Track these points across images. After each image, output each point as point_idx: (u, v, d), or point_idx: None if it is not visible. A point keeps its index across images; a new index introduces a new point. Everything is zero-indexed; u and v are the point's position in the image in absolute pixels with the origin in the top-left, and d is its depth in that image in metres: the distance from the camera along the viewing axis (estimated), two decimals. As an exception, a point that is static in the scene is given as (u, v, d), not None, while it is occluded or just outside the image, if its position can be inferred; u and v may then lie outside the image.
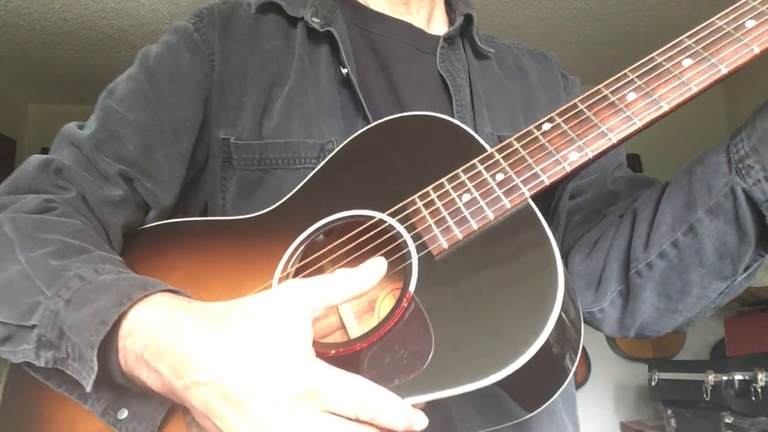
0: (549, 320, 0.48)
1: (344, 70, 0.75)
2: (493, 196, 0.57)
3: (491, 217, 0.57)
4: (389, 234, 0.59)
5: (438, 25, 0.86)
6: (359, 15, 0.83)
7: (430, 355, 0.51)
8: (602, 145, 0.57)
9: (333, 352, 0.53)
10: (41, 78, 2.99)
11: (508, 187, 0.57)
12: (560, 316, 0.49)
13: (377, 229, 0.60)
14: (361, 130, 0.67)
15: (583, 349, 2.59)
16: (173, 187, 0.73)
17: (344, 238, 0.62)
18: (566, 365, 0.54)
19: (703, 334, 3.03)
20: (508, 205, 0.57)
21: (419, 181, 0.61)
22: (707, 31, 0.58)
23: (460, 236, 0.56)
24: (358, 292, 0.52)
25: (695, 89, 0.56)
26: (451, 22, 0.88)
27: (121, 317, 0.51)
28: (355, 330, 0.62)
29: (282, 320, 0.48)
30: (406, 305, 0.54)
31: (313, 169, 0.68)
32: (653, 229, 0.67)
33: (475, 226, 0.56)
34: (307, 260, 0.63)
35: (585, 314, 0.74)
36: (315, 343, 0.52)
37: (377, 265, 0.53)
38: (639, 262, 0.68)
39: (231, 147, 0.73)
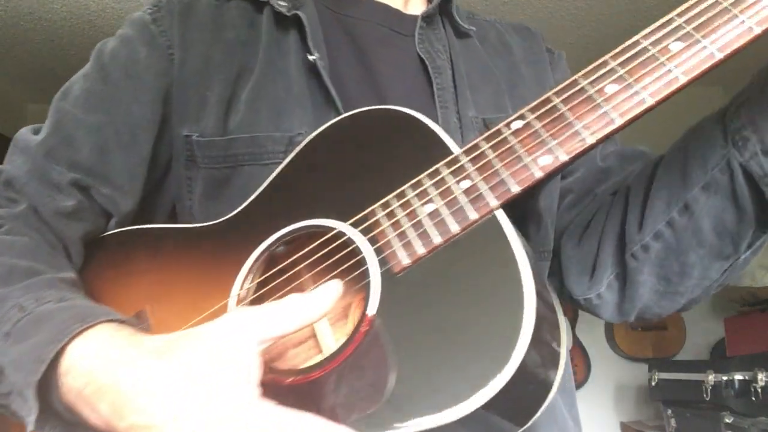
0: (515, 350, 0.43)
1: (311, 57, 0.69)
2: (458, 206, 0.51)
3: (456, 230, 0.51)
4: (351, 247, 0.54)
5: (416, 5, 0.80)
6: None
7: (390, 387, 0.46)
8: (578, 146, 0.50)
9: (289, 380, 0.50)
10: (41, 78, 2.99)
11: (474, 195, 0.51)
12: (531, 340, 0.44)
13: (338, 242, 0.55)
14: (324, 126, 0.62)
15: (583, 349, 2.58)
16: (133, 192, 0.69)
17: (304, 251, 0.57)
18: (546, 382, 0.49)
19: (703, 334, 3.03)
20: (475, 217, 0.51)
21: (383, 186, 0.55)
22: (701, 7, 0.49)
23: (422, 251, 0.51)
24: (310, 320, 0.49)
25: (684, 79, 0.48)
26: (429, 0, 0.82)
27: (60, 353, 0.49)
28: (328, 340, 0.58)
29: (225, 356, 0.46)
30: (364, 330, 0.49)
31: (282, 164, 0.64)
32: (647, 209, 0.63)
33: (438, 241, 0.51)
34: (268, 274, 0.59)
35: (581, 301, 0.71)
36: (271, 370, 0.50)
37: (331, 290, 0.50)
38: (634, 244, 0.64)
39: (194, 144, 0.68)
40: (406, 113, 0.58)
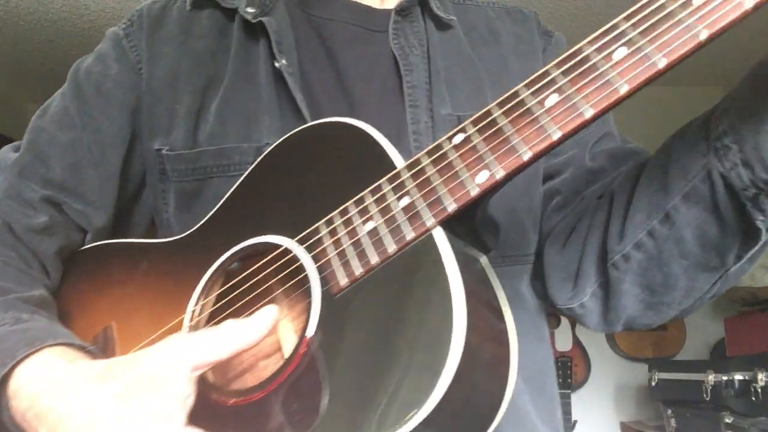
0: (440, 380, 0.42)
1: (277, 64, 0.68)
2: (396, 224, 0.50)
3: (393, 249, 0.49)
4: (296, 265, 0.54)
5: None
6: None
7: (323, 411, 0.46)
8: (514, 162, 0.47)
9: (231, 401, 0.51)
10: (41, 78, 2.99)
11: (412, 213, 0.49)
12: (459, 369, 0.42)
13: (284, 259, 0.55)
14: (280, 140, 0.61)
15: (583, 349, 2.58)
16: (105, 207, 0.70)
17: (253, 268, 0.57)
18: (485, 410, 0.47)
19: (703, 334, 3.03)
20: (412, 236, 0.49)
21: (331, 202, 0.54)
22: (648, 10, 0.45)
23: (359, 272, 0.50)
24: (246, 345, 0.49)
25: (626, 88, 0.44)
26: None
27: (9, 375, 0.51)
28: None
29: (158, 384, 0.47)
30: (302, 352, 0.49)
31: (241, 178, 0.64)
32: (628, 217, 0.60)
33: (375, 261, 0.49)
34: (220, 291, 0.60)
35: (565, 309, 0.69)
36: (217, 391, 0.52)
37: (267, 315, 0.50)
38: (614, 253, 0.62)
39: (164, 158, 0.69)
40: (354, 126, 0.57)
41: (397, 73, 0.70)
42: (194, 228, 0.64)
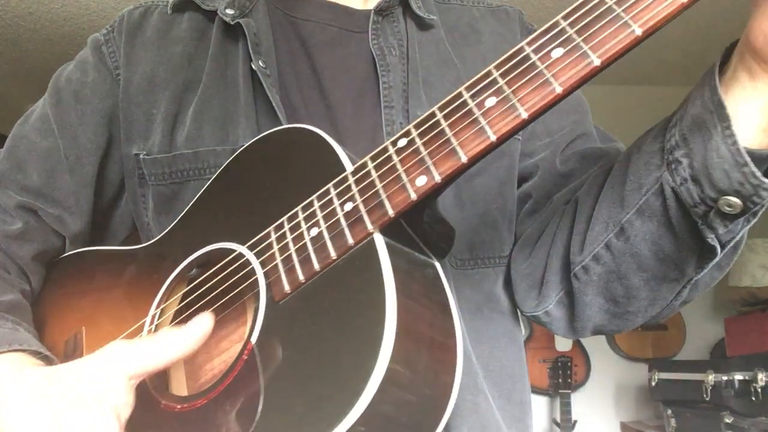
0: (365, 389, 0.41)
1: (254, 65, 0.67)
2: (338, 230, 0.49)
3: (334, 255, 0.49)
4: (246, 270, 0.54)
5: None
6: None
7: (256, 419, 0.46)
8: (452, 165, 0.46)
9: (179, 407, 0.51)
10: (41, 78, 2.99)
11: (354, 219, 0.49)
12: (387, 376, 0.42)
13: (236, 264, 0.55)
14: (244, 146, 0.61)
15: (583, 349, 2.59)
16: (82, 213, 0.71)
17: (208, 274, 0.58)
18: (424, 417, 0.46)
19: (703, 334, 3.03)
20: (351, 242, 0.48)
21: (283, 206, 0.54)
22: (586, 7, 0.44)
23: (302, 278, 0.49)
24: (182, 354, 0.50)
25: (560, 90, 0.43)
26: None
27: None
28: None
29: (93, 394, 0.47)
30: (245, 358, 0.49)
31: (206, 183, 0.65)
32: (589, 227, 0.59)
33: (317, 267, 0.49)
34: (178, 295, 0.60)
35: (530, 317, 0.69)
36: (166, 396, 0.52)
37: (201, 324, 0.50)
38: (575, 264, 0.61)
39: (141, 163, 0.69)
40: (312, 131, 0.57)
41: (374, 73, 0.69)
42: (160, 235, 0.66)
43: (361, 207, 0.49)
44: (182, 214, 0.64)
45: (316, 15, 0.73)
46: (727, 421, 2.09)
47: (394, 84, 0.69)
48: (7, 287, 0.64)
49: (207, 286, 0.58)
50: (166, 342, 0.50)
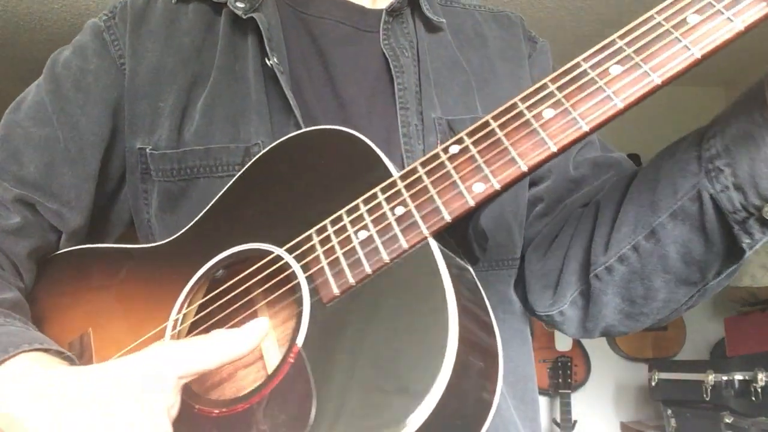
0: (432, 390, 0.42)
1: (269, 62, 0.66)
2: (391, 234, 0.49)
3: (386, 259, 0.49)
4: (286, 273, 0.53)
5: None
6: None
7: (310, 421, 0.45)
8: (511, 174, 0.48)
9: (217, 411, 0.50)
10: (41, 78, 3.00)
11: (407, 223, 0.49)
12: (451, 379, 0.43)
13: (274, 267, 0.54)
14: (272, 144, 0.60)
15: (583, 349, 2.58)
16: (82, 208, 0.67)
17: (241, 276, 0.56)
18: (473, 420, 0.47)
19: (703, 334, 3.03)
20: (405, 246, 0.49)
21: (323, 209, 0.54)
22: (642, 29, 0.48)
23: (352, 281, 0.49)
24: (235, 357, 0.48)
25: (621, 105, 0.46)
26: None
27: None
28: (276, 362, 0.56)
29: (142, 392, 0.45)
30: (291, 361, 0.48)
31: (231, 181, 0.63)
32: (614, 230, 0.61)
33: (369, 270, 0.49)
34: (206, 299, 0.58)
35: (543, 317, 0.70)
36: (201, 400, 0.50)
37: (257, 328, 0.49)
38: (598, 265, 0.62)
39: (148, 157, 0.66)
40: (349, 134, 0.56)
41: (386, 74, 0.69)
42: (178, 234, 0.63)
43: (415, 212, 0.49)
44: (201, 214, 0.62)
45: (329, 12, 0.72)
46: (727, 421, 2.09)
47: (408, 86, 0.69)
48: (6, 285, 0.61)
49: (241, 289, 0.56)
50: (220, 343, 0.48)
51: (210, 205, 0.61)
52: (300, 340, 0.49)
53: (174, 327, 0.57)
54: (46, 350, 0.52)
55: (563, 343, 2.95)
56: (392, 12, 0.71)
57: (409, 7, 0.73)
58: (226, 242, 0.58)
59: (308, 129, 0.59)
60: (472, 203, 0.48)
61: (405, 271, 0.49)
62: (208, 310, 0.57)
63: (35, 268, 0.67)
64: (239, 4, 0.68)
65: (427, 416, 0.42)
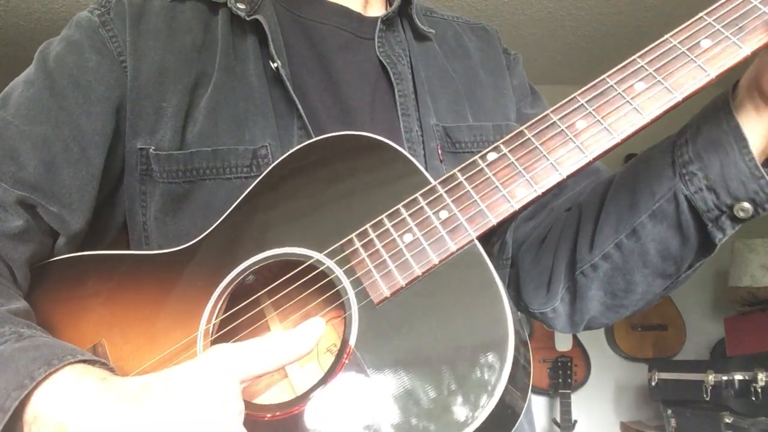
0: (500, 384, 0.45)
1: (274, 65, 0.66)
2: (437, 236, 0.53)
3: (435, 261, 0.52)
4: (327, 278, 0.54)
5: (375, 7, 0.76)
6: None
7: (373, 419, 0.47)
8: (552, 180, 0.53)
9: (269, 415, 0.49)
10: (41, 78, 3.00)
11: (453, 226, 0.53)
12: (511, 372, 0.45)
13: (313, 273, 0.54)
14: (296, 148, 0.60)
15: (583, 349, 2.58)
16: (83, 210, 0.64)
17: (278, 283, 0.56)
18: (518, 409, 0.50)
19: (703, 334, 3.03)
20: (454, 248, 0.52)
21: (358, 215, 0.55)
22: (660, 51, 0.54)
23: (402, 283, 0.52)
24: (294, 357, 0.48)
25: (648, 119, 0.52)
26: (389, 1, 0.78)
27: (25, 400, 0.45)
28: (295, 369, 0.56)
29: (209, 399, 0.43)
30: (346, 361, 0.49)
31: (246, 178, 0.63)
32: (597, 231, 0.66)
33: (418, 272, 0.52)
34: (239, 307, 0.57)
35: (537, 314, 0.74)
36: (249, 405, 0.49)
37: (315, 326, 0.49)
38: (583, 263, 0.67)
39: (151, 158, 0.64)
40: (378, 140, 0.58)
41: (385, 81, 0.72)
42: (196, 240, 0.61)
43: (459, 216, 0.53)
44: (221, 218, 0.60)
45: (328, 17, 0.73)
46: (727, 421, 2.09)
47: (407, 93, 0.71)
48: (13, 294, 0.58)
49: (282, 294, 0.56)
50: (279, 345, 0.47)
51: (231, 209, 0.60)
52: (353, 341, 0.50)
53: (205, 337, 0.55)
54: (90, 362, 0.49)
55: (563, 343, 2.95)
56: (386, 21, 0.74)
57: (400, 17, 0.76)
58: (254, 246, 0.57)
59: (328, 135, 0.60)
60: (516, 207, 0.52)
61: (455, 272, 0.51)
62: (243, 317, 0.56)
63: (29, 276, 0.63)
64: (240, 6, 0.68)
65: (493, 408, 0.44)
